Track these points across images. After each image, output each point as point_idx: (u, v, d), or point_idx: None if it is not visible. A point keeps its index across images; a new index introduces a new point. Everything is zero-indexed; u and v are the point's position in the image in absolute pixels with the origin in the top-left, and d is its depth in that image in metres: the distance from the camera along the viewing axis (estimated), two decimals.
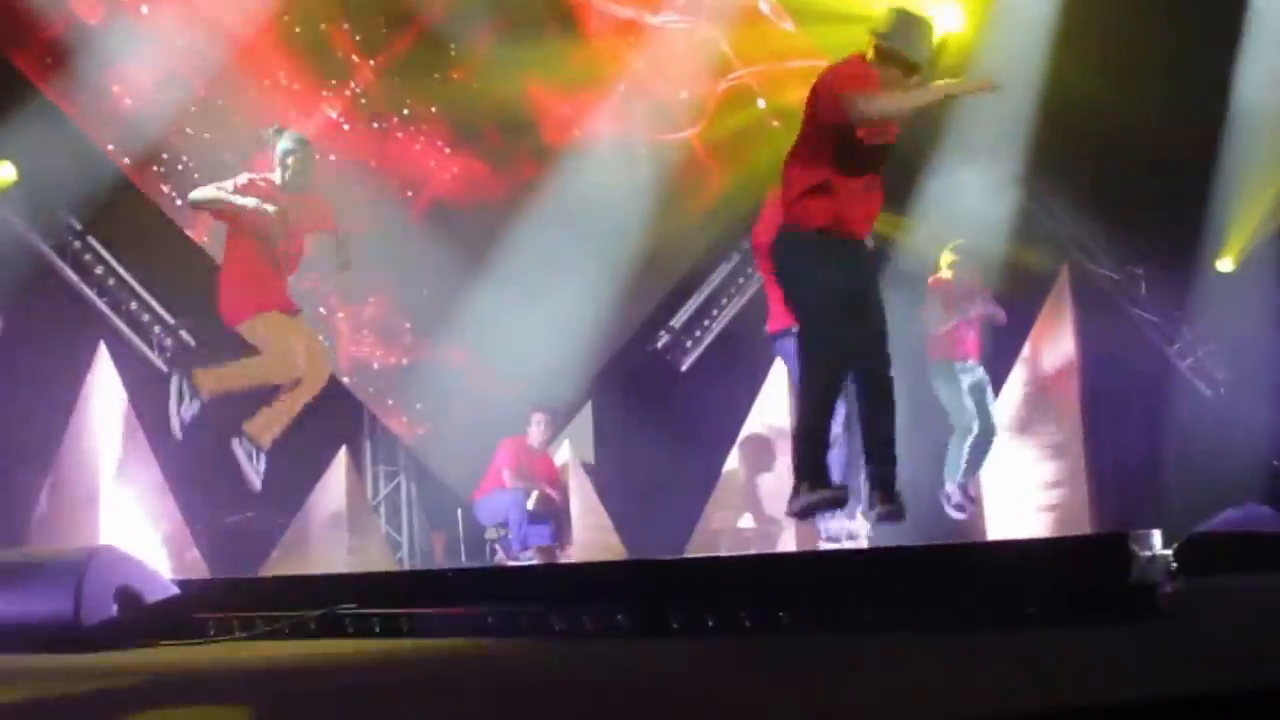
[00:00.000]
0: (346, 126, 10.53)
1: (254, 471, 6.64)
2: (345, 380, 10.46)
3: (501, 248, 10.44)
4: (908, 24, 4.86)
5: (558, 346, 10.34)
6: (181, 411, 6.48)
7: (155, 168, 9.85)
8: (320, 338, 6.81)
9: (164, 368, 9.95)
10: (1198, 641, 3.34)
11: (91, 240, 9.86)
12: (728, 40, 10.84)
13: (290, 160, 6.68)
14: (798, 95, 10.64)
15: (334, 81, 10.44)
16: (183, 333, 10.10)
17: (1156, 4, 8.53)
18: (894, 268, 9.36)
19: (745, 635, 4.10)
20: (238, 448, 6.60)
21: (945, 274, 8.38)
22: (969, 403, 8.12)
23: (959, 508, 7.97)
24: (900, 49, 4.80)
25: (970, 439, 8.12)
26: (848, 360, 4.81)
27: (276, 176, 6.72)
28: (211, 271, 9.74)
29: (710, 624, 4.20)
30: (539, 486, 9.34)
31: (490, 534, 9.55)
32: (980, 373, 8.34)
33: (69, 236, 9.80)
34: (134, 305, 10.00)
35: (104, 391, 8.38)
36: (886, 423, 4.89)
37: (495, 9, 10.52)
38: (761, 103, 10.95)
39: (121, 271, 9.95)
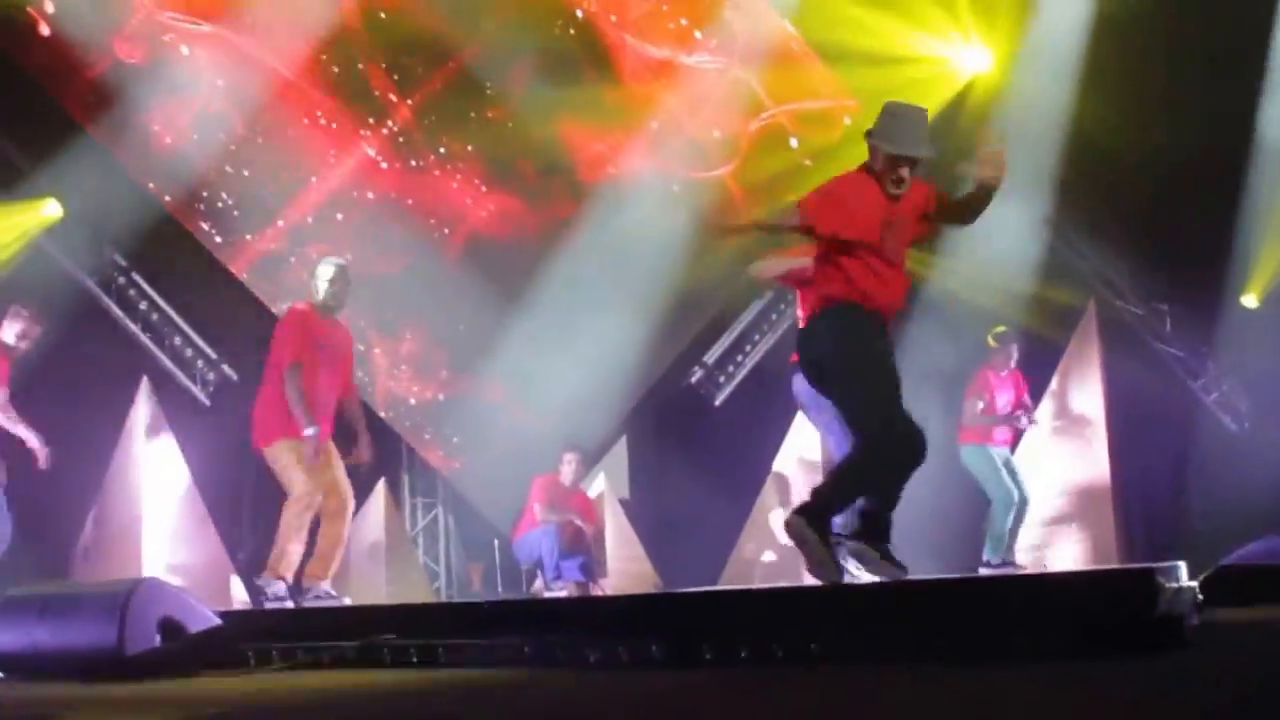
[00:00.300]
0: (384, 164, 10.69)
1: (334, 598, 6.78)
2: (383, 414, 10.57)
3: (537, 285, 10.55)
4: (892, 118, 4.85)
5: (592, 382, 10.40)
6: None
7: (196, 205, 10.04)
8: (340, 468, 6.81)
9: (206, 401, 10.11)
10: (1224, 675, 3.36)
11: (136, 276, 10.04)
12: (760, 80, 10.92)
13: (326, 285, 6.83)
14: (829, 135, 10.84)
15: (371, 120, 10.61)
16: (225, 367, 10.24)
17: (1180, 44, 8.58)
18: (923, 306, 9.41)
19: (777, 666, 4.14)
20: (312, 596, 6.71)
21: (993, 364, 8.45)
22: (1006, 478, 8.21)
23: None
24: (884, 145, 4.78)
25: (1013, 512, 8.21)
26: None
27: (317, 294, 6.85)
28: (253, 306, 9.97)
29: (743, 655, 4.25)
30: (571, 520, 9.41)
31: (527, 568, 9.61)
32: (1010, 460, 8.49)
33: (114, 272, 9.98)
34: (177, 340, 10.16)
35: (147, 424, 8.51)
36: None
37: (530, 49, 10.63)
38: (794, 142, 11.04)
39: (165, 307, 10.11)
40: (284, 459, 6.62)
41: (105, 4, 9.43)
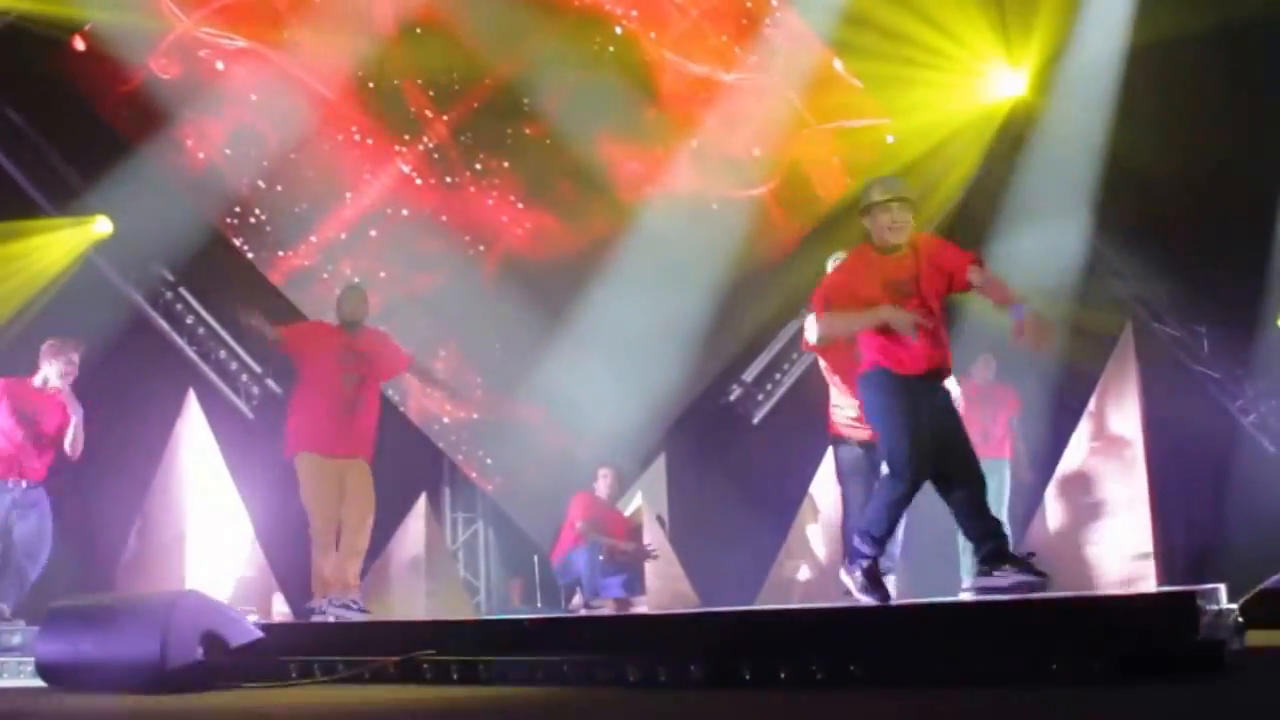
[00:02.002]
0: (419, 181, 10.70)
1: (357, 611, 6.94)
2: (421, 428, 10.63)
3: (575, 304, 10.53)
4: (870, 184, 5.33)
5: (631, 400, 10.42)
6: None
7: (229, 220, 10.15)
8: (365, 479, 7.05)
9: (250, 415, 10.21)
10: (1265, 703, 3.33)
11: (183, 291, 10.16)
12: (801, 97, 10.89)
13: (341, 304, 7.20)
14: (870, 155, 10.82)
15: (407, 136, 10.63)
16: (269, 381, 10.33)
17: (1215, 67, 8.55)
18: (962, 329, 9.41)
19: (817, 688, 4.13)
20: (329, 608, 6.88)
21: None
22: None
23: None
24: (869, 198, 5.24)
25: None
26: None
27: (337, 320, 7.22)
28: (299, 321, 10.07)
29: (782, 676, 4.25)
30: (611, 539, 9.42)
31: (566, 585, 9.62)
32: (1006, 473, 8.60)
33: (161, 287, 10.10)
34: (222, 354, 10.28)
35: (192, 437, 8.58)
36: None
37: (569, 65, 10.62)
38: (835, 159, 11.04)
39: (211, 321, 10.22)
40: (300, 470, 6.94)
41: (145, 21, 9.54)
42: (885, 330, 5.06)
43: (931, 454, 4.96)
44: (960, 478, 5.03)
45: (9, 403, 7.32)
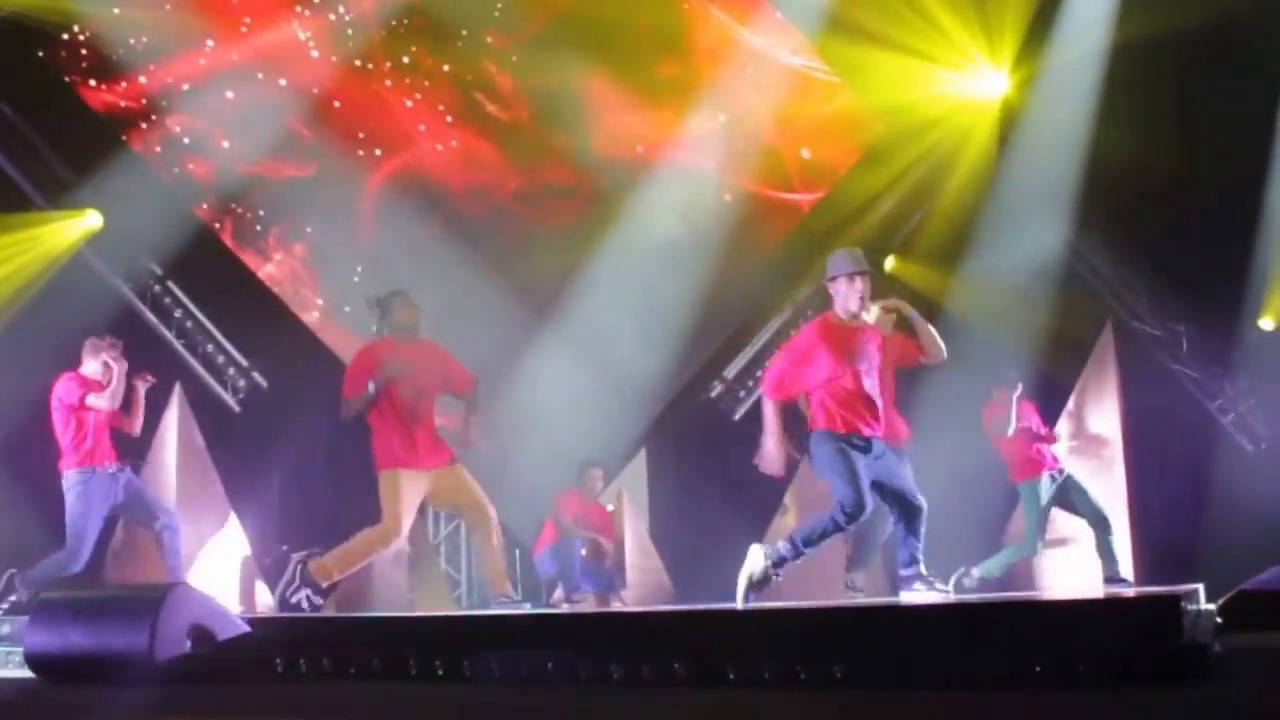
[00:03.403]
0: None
1: (311, 605, 6.73)
2: None
3: (557, 298, 10.44)
4: (832, 259, 5.88)
5: (613, 396, 10.40)
6: (289, 594, 6.65)
7: (228, 218, 10.13)
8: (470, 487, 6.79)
9: (236, 408, 10.22)
10: (1250, 705, 3.38)
11: (171, 285, 10.18)
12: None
13: (387, 316, 6.88)
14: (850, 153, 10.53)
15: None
16: (255, 375, 10.36)
17: (1198, 67, 8.61)
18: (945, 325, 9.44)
19: (800, 688, 4.17)
20: (298, 592, 6.68)
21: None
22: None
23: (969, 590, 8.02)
24: (834, 271, 5.81)
25: (1020, 555, 8.25)
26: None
27: (390, 336, 6.87)
28: (285, 315, 10.09)
29: (766, 676, 4.29)
30: (593, 534, 9.48)
31: (547, 579, 9.67)
32: (1071, 477, 8.26)
33: (150, 281, 10.12)
34: (210, 348, 10.30)
35: (179, 430, 8.59)
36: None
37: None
38: (806, 152, 10.69)
39: (199, 315, 10.24)
40: (384, 488, 6.68)
41: (138, 16, 9.48)
42: (834, 396, 5.68)
43: (869, 497, 5.63)
44: (898, 509, 5.77)
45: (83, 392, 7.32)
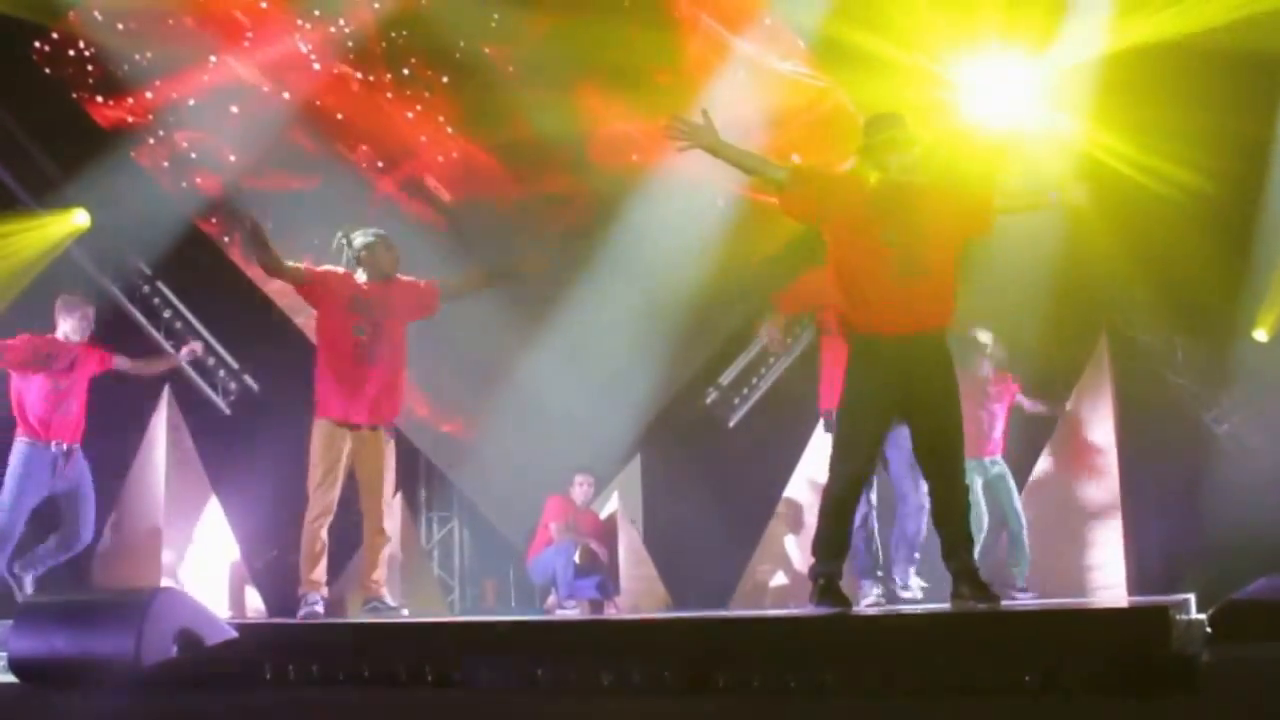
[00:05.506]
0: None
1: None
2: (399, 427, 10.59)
3: (550, 304, 10.38)
4: (868, 124, 5.59)
5: (607, 402, 10.40)
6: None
7: (237, 233, 10.05)
8: (386, 454, 6.65)
9: (226, 410, 10.20)
10: (1238, 716, 3.37)
11: (160, 285, 10.15)
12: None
13: (364, 255, 6.73)
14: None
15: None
16: (246, 377, 10.33)
17: (1195, 76, 8.61)
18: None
19: (789, 697, 4.16)
20: (369, 614, 6.69)
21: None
22: (987, 500, 8.22)
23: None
24: (864, 144, 5.55)
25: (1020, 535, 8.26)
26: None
27: (361, 276, 6.73)
28: (276, 317, 10.06)
29: (755, 684, 4.27)
30: (585, 540, 9.45)
31: (541, 585, 9.65)
32: (1003, 466, 8.43)
33: (138, 281, 10.08)
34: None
35: (168, 433, 8.57)
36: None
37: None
38: (796, 158, 10.70)
39: (189, 316, 10.21)
40: (314, 438, 6.54)
41: (143, 31, 9.45)
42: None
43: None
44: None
45: (32, 355, 7.27)
